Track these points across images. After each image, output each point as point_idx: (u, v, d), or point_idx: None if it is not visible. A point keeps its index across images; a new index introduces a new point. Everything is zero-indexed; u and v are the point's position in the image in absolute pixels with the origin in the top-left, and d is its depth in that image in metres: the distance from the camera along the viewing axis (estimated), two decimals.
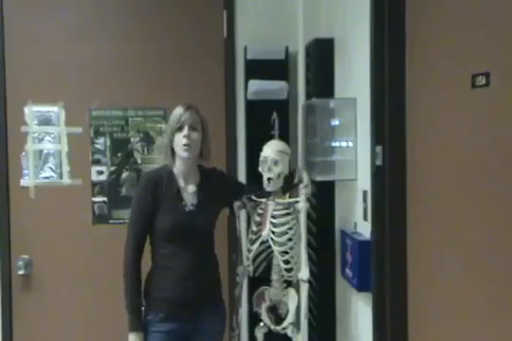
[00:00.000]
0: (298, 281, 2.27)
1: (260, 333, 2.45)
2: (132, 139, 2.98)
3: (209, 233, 2.27)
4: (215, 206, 2.30)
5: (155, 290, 2.22)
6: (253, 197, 2.36)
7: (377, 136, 1.96)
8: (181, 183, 2.23)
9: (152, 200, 2.18)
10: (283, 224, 2.26)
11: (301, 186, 2.23)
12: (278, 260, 2.27)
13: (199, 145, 2.18)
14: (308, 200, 2.25)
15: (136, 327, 2.18)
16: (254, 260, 2.35)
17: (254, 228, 2.34)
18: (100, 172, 2.97)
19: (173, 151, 2.21)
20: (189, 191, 2.23)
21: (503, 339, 1.36)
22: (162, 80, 2.98)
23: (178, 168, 2.23)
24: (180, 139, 2.15)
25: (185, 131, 2.14)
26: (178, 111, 2.18)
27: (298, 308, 2.27)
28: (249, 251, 2.35)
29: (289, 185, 2.30)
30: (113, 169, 2.98)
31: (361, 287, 2.09)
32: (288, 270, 2.26)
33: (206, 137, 2.22)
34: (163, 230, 2.18)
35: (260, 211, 2.33)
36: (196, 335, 2.24)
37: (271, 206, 2.29)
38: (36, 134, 2.94)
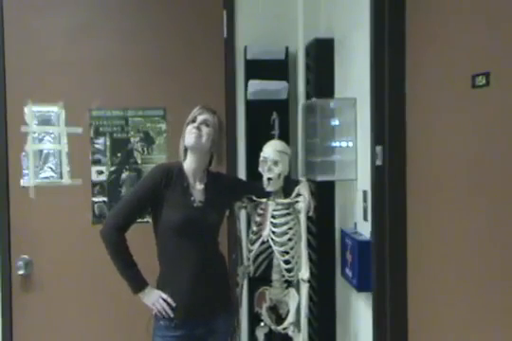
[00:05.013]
0: (298, 281, 2.27)
1: (261, 334, 2.45)
2: (132, 139, 2.98)
3: (215, 230, 2.27)
4: (221, 206, 2.30)
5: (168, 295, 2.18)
6: (253, 197, 2.36)
7: (377, 136, 1.96)
8: (190, 180, 2.24)
9: (157, 187, 2.17)
10: (283, 225, 2.26)
11: (300, 200, 2.24)
12: (278, 260, 2.28)
13: (210, 140, 2.20)
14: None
15: (139, 286, 2.14)
16: (255, 260, 2.35)
17: (254, 228, 2.34)
18: (100, 172, 2.97)
19: (186, 149, 2.24)
20: (197, 188, 2.24)
21: (504, 338, 1.36)
22: (162, 80, 2.97)
23: (188, 165, 2.24)
24: (191, 128, 2.19)
25: (196, 122, 2.19)
26: (196, 108, 2.24)
27: (298, 308, 2.27)
28: (250, 251, 2.35)
29: (287, 195, 2.31)
30: (113, 169, 2.97)
31: (361, 287, 2.09)
32: (289, 270, 2.26)
33: (220, 141, 2.25)
34: (173, 223, 2.16)
35: (260, 211, 2.33)
36: (210, 337, 2.22)
37: (271, 206, 2.29)
38: (36, 134, 2.94)
